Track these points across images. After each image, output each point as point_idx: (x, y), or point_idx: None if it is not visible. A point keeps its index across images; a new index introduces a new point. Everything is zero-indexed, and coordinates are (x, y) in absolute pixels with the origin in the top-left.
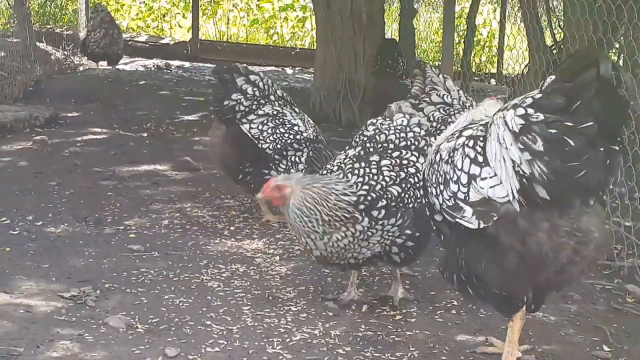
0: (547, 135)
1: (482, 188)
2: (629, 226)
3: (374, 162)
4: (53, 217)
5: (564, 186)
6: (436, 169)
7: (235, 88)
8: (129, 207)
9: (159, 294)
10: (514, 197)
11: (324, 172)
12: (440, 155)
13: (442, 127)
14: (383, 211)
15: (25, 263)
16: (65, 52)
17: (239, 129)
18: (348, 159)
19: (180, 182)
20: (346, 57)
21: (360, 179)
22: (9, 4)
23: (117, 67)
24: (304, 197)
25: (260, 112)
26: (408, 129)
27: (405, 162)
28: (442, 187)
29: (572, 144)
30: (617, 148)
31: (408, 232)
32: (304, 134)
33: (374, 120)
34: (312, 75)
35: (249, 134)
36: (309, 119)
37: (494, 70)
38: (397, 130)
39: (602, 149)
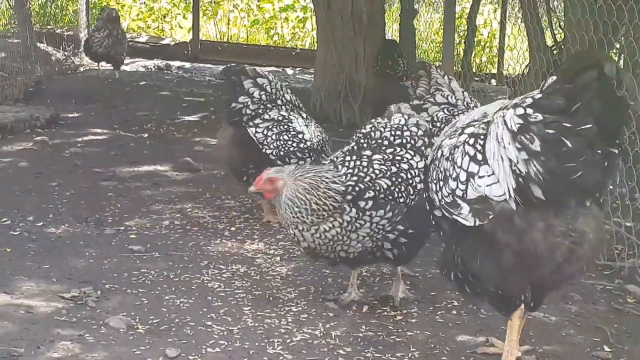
0: (545, 136)
1: (480, 186)
2: (629, 227)
3: (365, 156)
4: (54, 217)
5: (560, 187)
6: (437, 165)
7: (243, 90)
8: (130, 208)
9: (160, 295)
10: (510, 196)
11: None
12: (442, 152)
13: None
14: (370, 202)
15: (25, 264)
16: (66, 53)
17: (245, 132)
18: (341, 153)
19: (181, 183)
20: (347, 58)
21: (350, 171)
22: (9, 5)
23: (120, 69)
24: (296, 188)
25: (266, 117)
26: (405, 128)
27: (398, 158)
28: (441, 183)
29: (570, 145)
30: (616, 151)
31: (400, 227)
32: (308, 143)
33: (373, 121)
34: (313, 76)
35: (254, 138)
36: (317, 125)
37: (494, 71)
38: (393, 129)
39: (600, 151)
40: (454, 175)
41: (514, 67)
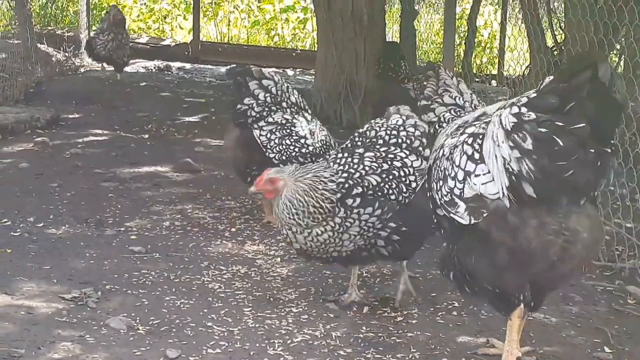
0: (537, 134)
1: (475, 184)
2: (630, 228)
3: (357, 153)
4: (54, 218)
5: (551, 185)
6: (438, 164)
7: (248, 92)
8: (130, 209)
9: (160, 296)
10: (504, 194)
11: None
12: (443, 151)
13: None
14: (358, 199)
15: (26, 264)
16: (67, 54)
17: (250, 134)
18: (334, 151)
19: (181, 184)
20: (347, 59)
21: (341, 167)
22: (10, 6)
23: (122, 71)
24: (296, 189)
25: (270, 120)
26: (401, 128)
27: (391, 156)
28: (441, 182)
29: (561, 143)
30: (608, 150)
31: (392, 225)
32: (310, 148)
33: (372, 121)
34: (313, 77)
35: (258, 140)
36: (321, 128)
37: (495, 72)
38: (390, 129)
39: (592, 150)
40: (452, 175)
41: (515, 68)
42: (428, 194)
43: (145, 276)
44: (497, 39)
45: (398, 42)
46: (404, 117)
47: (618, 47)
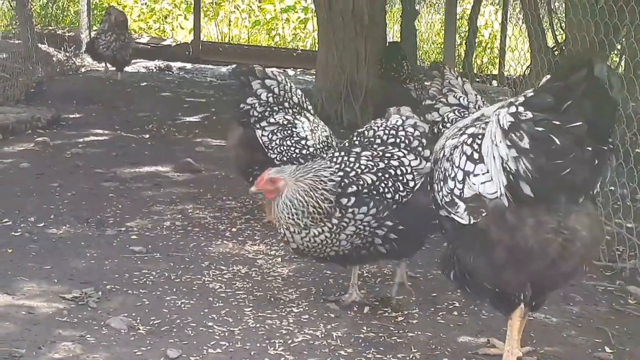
0: (534, 133)
1: (474, 184)
2: (630, 228)
3: (354, 152)
4: (55, 218)
5: (549, 184)
6: (439, 165)
7: (251, 92)
8: (131, 209)
9: (161, 296)
10: (502, 193)
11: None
12: (444, 152)
13: None
14: (353, 198)
15: (27, 264)
16: (67, 54)
17: (253, 133)
18: (331, 150)
19: (182, 184)
20: (348, 59)
21: (337, 166)
22: (11, 6)
23: (123, 71)
24: (297, 189)
25: (272, 120)
26: (400, 129)
27: (388, 155)
28: (442, 183)
29: (558, 142)
30: (605, 148)
31: (389, 223)
32: (311, 149)
33: (371, 122)
34: (314, 77)
35: (260, 140)
36: (323, 129)
37: (495, 72)
38: (389, 129)
39: (589, 149)
40: (452, 175)
41: (515, 68)
42: (431, 195)
43: (146, 276)
44: (497, 39)
45: (400, 42)
46: (404, 118)
47: (619, 47)
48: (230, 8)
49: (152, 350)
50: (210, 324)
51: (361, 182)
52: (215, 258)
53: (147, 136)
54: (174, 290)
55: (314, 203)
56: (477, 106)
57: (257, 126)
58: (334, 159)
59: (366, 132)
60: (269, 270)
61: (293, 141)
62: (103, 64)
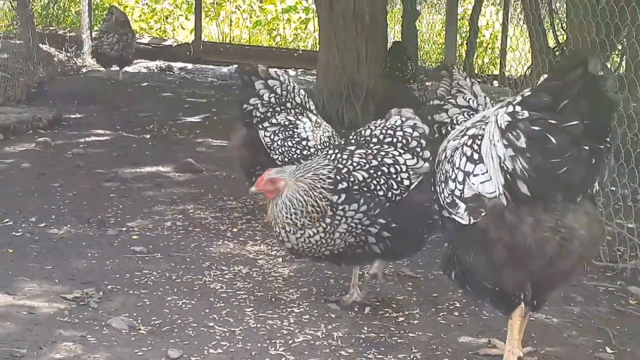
0: (530, 132)
1: (474, 184)
2: (631, 228)
3: (348, 150)
4: (56, 218)
5: (545, 182)
6: (441, 167)
7: (254, 92)
8: (132, 209)
9: (162, 296)
10: (500, 192)
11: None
12: (445, 154)
13: None
14: (343, 195)
15: (28, 264)
16: (68, 54)
17: (256, 134)
18: (327, 148)
19: (183, 184)
20: (349, 59)
21: (331, 163)
22: (12, 6)
23: (124, 69)
24: (297, 189)
25: (274, 121)
26: (398, 129)
27: (383, 153)
28: (443, 184)
29: (554, 141)
30: (602, 147)
31: (381, 221)
32: (312, 150)
33: (371, 122)
34: (315, 77)
35: (263, 141)
36: (326, 129)
37: (496, 72)
38: (386, 128)
39: (586, 147)
40: (452, 176)
41: (516, 69)
42: (433, 197)
43: (147, 276)
44: (498, 40)
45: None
46: (404, 119)
47: (620, 47)
48: (231, 8)
49: (153, 351)
50: (211, 324)
51: (352, 179)
52: (216, 258)
53: (148, 136)
54: (175, 290)
55: (313, 202)
56: (486, 109)
57: (260, 127)
58: (329, 156)
59: (363, 131)
60: (269, 270)
61: (294, 142)
62: (110, 67)
